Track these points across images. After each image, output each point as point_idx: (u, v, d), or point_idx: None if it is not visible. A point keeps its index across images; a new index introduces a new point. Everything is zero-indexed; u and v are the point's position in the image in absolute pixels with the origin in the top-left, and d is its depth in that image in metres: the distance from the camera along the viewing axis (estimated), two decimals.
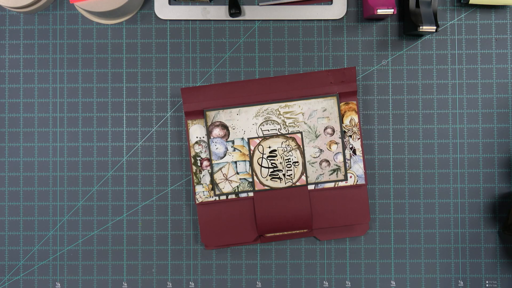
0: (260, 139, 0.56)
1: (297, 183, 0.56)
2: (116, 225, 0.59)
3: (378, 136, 0.59)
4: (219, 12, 0.58)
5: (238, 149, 0.56)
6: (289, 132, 0.56)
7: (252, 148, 0.56)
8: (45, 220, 0.59)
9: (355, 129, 0.56)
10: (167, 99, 0.59)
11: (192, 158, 0.56)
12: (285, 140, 0.56)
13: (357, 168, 0.56)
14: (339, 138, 0.56)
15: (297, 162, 0.56)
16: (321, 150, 0.56)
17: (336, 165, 0.56)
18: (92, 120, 0.59)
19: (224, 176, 0.56)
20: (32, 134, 0.59)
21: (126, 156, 0.59)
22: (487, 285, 0.58)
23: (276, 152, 0.56)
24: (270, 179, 0.56)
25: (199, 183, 0.56)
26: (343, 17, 0.59)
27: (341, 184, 0.56)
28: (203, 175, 0.56)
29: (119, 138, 0.59)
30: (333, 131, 0.56)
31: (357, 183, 0.56)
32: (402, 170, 0.59)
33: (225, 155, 0.56)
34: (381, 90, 0.59)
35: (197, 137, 0.56)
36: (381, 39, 0.59)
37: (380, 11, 0.54)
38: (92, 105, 0.59)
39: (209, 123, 0.56)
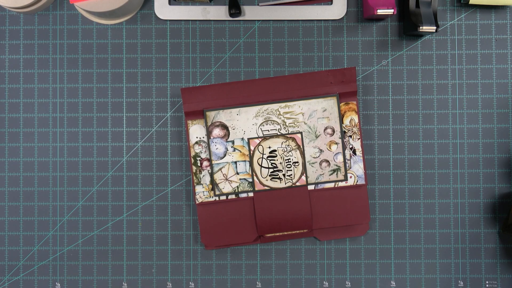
0: (260, 139, 0.56)
1: (297, 183, 0.56)
2: (116, 225, 0.59)
3: (378, 136, 0.59)
4: (219, 12, 0.58)
5: (238, 149, 0.56)
6: (289, 132, 0.56)
7: (252, 148, 0.56)
8: (45, 220, 0.59)
9: (355, 129, 0.56)
10: (167, 99, 0.59)
11: (192, 158, 0.56)
12: (285, 140, 0.56)
13: (357, 168, 0.56)
14: (339, 138, 0.56)
15: (297, 162, 0.56)
16: (321, 150, 0.56)
17: (336, 165, 0.56)
18: (92, 120, 0.59)
19: (224, 176, 0.56)
20: (32, 134, 0.59)
21: (126, 156, 0.59)
22: (487, 285, 0.58)
23: (276, 152, 0.56)
24: (270, 179, 0.56)
25: (199, 183, 0.56)
26: (343, 17, 0.59)
27: (341, 184, 0.56)
28: (203, 175, 0.56)
29: (119, 138, 0.59)
30: (333, 131, 0.56)
31: (357, 183, 0.56)
32: (402, 170, 0.59)
33: (225, 155, 0.56)
34: (381, 90, 0.59)
35: (197, 137, 0.56)
36: (381, 39, 0.59)
37: (380, 11, 0.54)
38: (92, 105, 0.59)
39: (209, 123, 0.56)
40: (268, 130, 0.56)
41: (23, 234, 0.59)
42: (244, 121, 0.56)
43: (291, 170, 0.56)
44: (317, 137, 0.56)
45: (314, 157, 0.56)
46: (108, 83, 0.59)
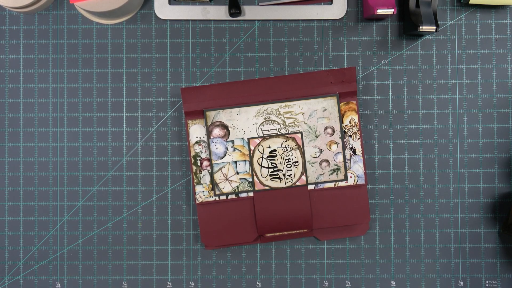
0: (260, 139, 0.56)
1: (297, 183, 0.56)
2: (116, 225, 0.59)
3: (378, 136, 0.59)
4: (219, 12, 0.58)
5: (238, 149, 0.56)
6: (289, 132, 0.56)
7: (252, 148, 0.56)
8: (45, 220, 0.59)
9: (355, 129, 0.56)
10: (167, 99, 0.59)
11: (192, 158, 0.56)
12: (285, 140, 0.56)
13: (357, 168, 0.56)
14: (339, 138, 0.56)
15: (297, 162, 0.56)
16: (321, 150, 0.56)
17: (336, 165, 0.56)
18: (92, 120, 0.59)
19: (224, 176, 0.56)
20: (32, 134, 0.59)
21: (126, 156, 0.59)
22: (487, 285, 0.58)
23: (276, 152, 0.56)
24: (270, 179, 0.56)
25: (199, 183, 0.56)
26: (343, 17, 0.59)
27: (341, 184, 0.56)
28: (203, 175, 0.56)
29: (119, 138, 0.59)
30: (333, 131, 0.56)
31: (357, 183, 0.56)
32: (402, 170, 0.59)
33: (225, 155, 0.56)
34: (381, 90, 0.59)
35: (197, 137, 0.56)
36: (381, 39, 0.59)
37: (380, 11, 0.54)
38: (92, 105, 0.59)
39: (209, 123, 0.56)
40: (268, 130, 0.56)
41: (23, 234, 0.59)
42: (244, 121, 0.56)
43: (291, 170, 0.56)
44: (317, 137, 0.56)
45: (314, 157, 0.56)
46: (108, 83, 0.59)
